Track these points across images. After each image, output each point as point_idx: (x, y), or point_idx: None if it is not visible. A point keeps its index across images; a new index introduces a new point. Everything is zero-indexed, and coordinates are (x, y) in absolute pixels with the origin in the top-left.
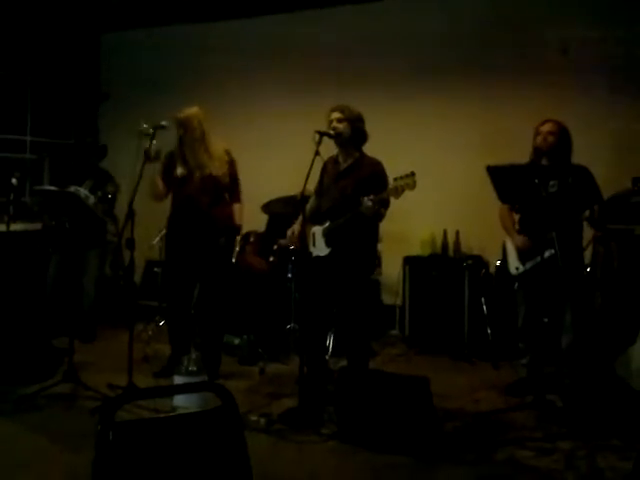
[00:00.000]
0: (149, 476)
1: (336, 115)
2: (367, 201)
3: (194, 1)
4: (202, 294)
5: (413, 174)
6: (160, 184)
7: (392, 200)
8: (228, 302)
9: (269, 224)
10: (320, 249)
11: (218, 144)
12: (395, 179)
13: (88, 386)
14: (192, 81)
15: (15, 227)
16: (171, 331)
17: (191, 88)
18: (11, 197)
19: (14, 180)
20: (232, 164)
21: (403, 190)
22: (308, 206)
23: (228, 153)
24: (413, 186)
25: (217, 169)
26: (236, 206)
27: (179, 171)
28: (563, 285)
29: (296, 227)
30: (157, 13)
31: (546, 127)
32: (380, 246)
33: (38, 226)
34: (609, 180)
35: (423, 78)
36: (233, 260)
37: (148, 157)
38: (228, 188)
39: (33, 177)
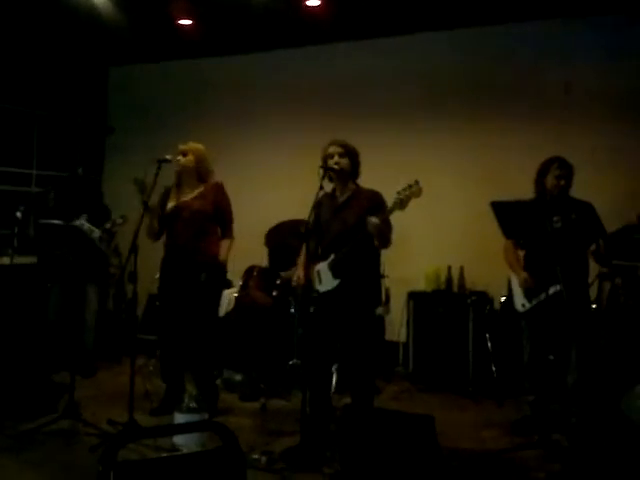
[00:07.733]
0: None
1: (338, 150)
2: (373, 219)
3: (202, 36)
4: (189, 330)
5: (417, 182)
6: (155, 222)
7: (397, 232)
8: (219, 337)
9: (271, 258)
10: (327, 283)
11: (211, 180)
12: (398, 192)
13: (88, 422)
14: (198, 115)
15: (20, 260)
16: (163, 367)
17: (197, 122)
18: (15, 230)
19: (19, 213)
20: (222, 199)
21: (409, 199)
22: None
23: (217, 188)
24: (419, 193)
25: (202, 204)
26: (224, 242)
27: (169, 205)
28: (569, 322)
29: (300, 271)
30: (165, 47)
31: (560, 171)
32: (386, 282)
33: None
34: (614, 215)
35: (425, 113)
36: (235, 295)
37: (143, 191)
38: (217, 223)
39: (37, 210)
